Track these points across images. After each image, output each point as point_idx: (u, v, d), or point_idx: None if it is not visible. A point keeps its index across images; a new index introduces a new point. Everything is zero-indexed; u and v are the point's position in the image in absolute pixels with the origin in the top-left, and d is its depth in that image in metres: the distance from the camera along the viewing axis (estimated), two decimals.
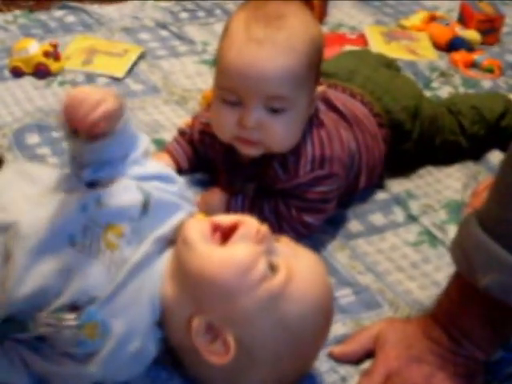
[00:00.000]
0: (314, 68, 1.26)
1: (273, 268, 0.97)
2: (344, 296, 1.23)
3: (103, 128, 0.98)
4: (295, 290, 0.97)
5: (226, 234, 1.01)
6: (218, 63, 1.26)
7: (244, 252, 0.97)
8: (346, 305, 1.21)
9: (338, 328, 1.15)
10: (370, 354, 1.12)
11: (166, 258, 1.02)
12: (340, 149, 1.31)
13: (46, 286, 0.97)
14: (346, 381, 1.08)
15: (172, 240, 1.04)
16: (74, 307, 0.97)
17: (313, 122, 1.30)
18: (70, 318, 0.96)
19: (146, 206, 1.03)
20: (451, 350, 1.07)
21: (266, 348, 0.97)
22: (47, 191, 1.05)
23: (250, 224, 1.01)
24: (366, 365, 1.11)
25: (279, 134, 1.24)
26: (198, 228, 1.00)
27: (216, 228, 1.01)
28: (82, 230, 1.00)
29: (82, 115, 0.95)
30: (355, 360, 1.12)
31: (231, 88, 1.23)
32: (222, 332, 0.96)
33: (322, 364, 1.10)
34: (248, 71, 1.20)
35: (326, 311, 1.03)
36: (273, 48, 1.20)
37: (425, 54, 2.01)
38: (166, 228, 1.04)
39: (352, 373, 1.10)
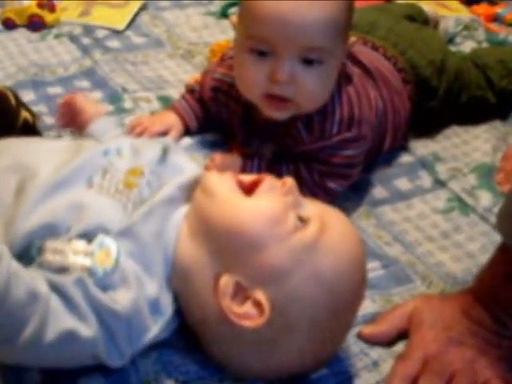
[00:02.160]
0: (351, 15, 1.15)
1: (303, 220, 0.90)
2: (372, 269, 1.11)
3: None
4: (329, 242, 0.89)
5: (248, 192, 0.93)
6: (248, 9, 1.13)
7: (273, 202, 0.90)
8: (374, 279, 1.10)
9: (366, 305, 1.04)
10: (402, 335, 1.01)
11: (180, 216, 0.94)
12: (368, 108, 1.20)
13: (55, 221, 0.89)
14: (378, 365, 0.98)
15: (186, 197, 0.96)
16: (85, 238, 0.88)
17: (340, 77, 1.18)
18: (80, 244, 0.87)
19: (165, 153, 1.01)
20: (495, 331, 0.97)
21: (302, 308, 0.87)
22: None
23: (272, 178, 0.94)
24: (399, 347, 1.00)
25: (313, 88, 1.12)
26: (222, 179, 0.93)
27: (239, 184, 0.93)
28: (101, 172, 0.96)
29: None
30: (387, 342, 1.01)
31: (264, 37, 1.10)
32: (253, 292, 0.87)
33: (351, 346, 1.00)
34: (287, 19, 1.07)
35: (361, 267, 0.93)
36: None
37: (457, 8, 1.87)
38: (187, 177, 0.98)
39: (384, 356, 0.99)
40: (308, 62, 1.10)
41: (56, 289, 0.84)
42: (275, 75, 1.10)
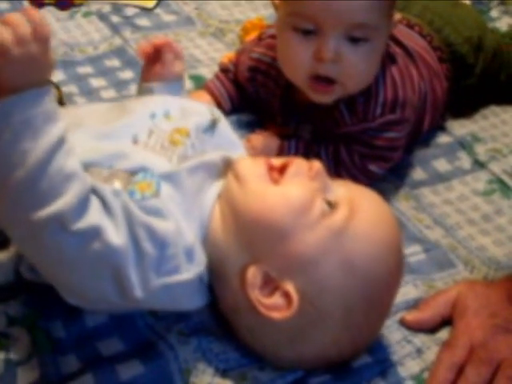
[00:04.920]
0: None
1: (331, 205, 0.87)
2: (413, 254, 1.09)
3: None
4: (360, 227, 0.86)
5: (279, 175, 0.91)
6: None
7: (299, 189, 0.87)
8: (415, 264, 1.08)
9: (408, 291, 1.02)
10: (446, 322, 0.99)
11: (217, 191, 0.92)
12: (411, 91, 1.17)
13: (97, 160, 0.88)
14: (422, 352, 0.95)
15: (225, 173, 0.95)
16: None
17: (384, 58, 1.14)
18: (124, 175, 0.87)
19: (214, 124, 0.99)
20: None
21: (333, 297, 0.84)
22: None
23: (300, 162, 0.91)
24: (443, 334, 0.98)
25: (359, 67, 1.09)
26: (252, 165, 0.91)
27: (271, 168, 0.91)
28: (147, 132, 0.94)
29: None
30: (431, 328, 0.99)
31: (309, 15, 1.06)
32: (281, 282, 0.84)
33: (394, 333, 0.97)
34: None
35: (396, 251, 0.90)
36: None
37: None
38: (233, 154, 0.96)
39: (428, 343, 0.96)
40: (354, 39, 1.07)
41: (95, 192, 0.83)
42: (321, 53, 1.07)
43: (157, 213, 0.84)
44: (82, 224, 0.80)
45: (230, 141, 1.01)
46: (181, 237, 0.85)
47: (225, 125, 1.01)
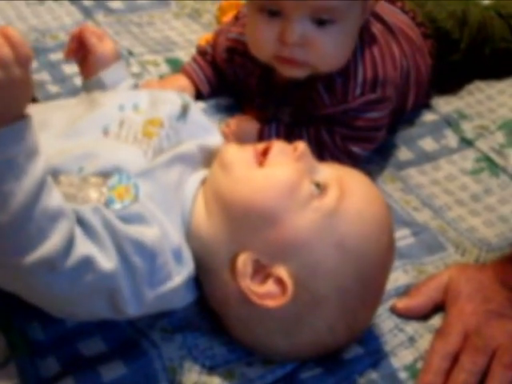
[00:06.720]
0: None
1: (320, 186, 0.84)
2: (402, 238, 1.05)
3: None
4: (351, 208, 0.83)
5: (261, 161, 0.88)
6: None
7: (284, 169, 0.84)
8: (404, 248, 1.04)
9: (398, 277, 0.99)
10: (438, 308, 0.96)
11: (197, 182, 0.89)
12: (392, 68, 1.13)
13: (64, 164, 0.83)
14: (415, 341, 0.92)
15: (204, 161, 0.92)
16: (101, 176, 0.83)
17: (363, 36, 1.10)
18: (97, 180, 0.82)
19: (185, 110, 0.94)
20: None
21: (327, 280, 0.81)
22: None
23: (282, 143, 0.89)
24: (436, 321, 0.95)
25: (327, 50, 1.05)
26: (238, 152, 0.88)
27: (257, 154, 0.88)
28: (118, 123, 0.90)
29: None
30: (423, 315, 0.96)
31: None
32: (273, 269, 0.81)
33: (385, 322, 0.94)
34: None
35: (387, 230, 0.87)
36: None
37: None
38: (208, 141, 0.94)
39: (421, 331, 0.93)
40: (320, 22, 1.03)
41: (76, 217, 0.77)
42: (284, 37, 1.03)
43: (139, 220, 0.80)
44: (71, 260, 0.74)
45: (203, 126, 0.97)
46: (167, 239, 0.81)
47: (196, 110, 0.98)
